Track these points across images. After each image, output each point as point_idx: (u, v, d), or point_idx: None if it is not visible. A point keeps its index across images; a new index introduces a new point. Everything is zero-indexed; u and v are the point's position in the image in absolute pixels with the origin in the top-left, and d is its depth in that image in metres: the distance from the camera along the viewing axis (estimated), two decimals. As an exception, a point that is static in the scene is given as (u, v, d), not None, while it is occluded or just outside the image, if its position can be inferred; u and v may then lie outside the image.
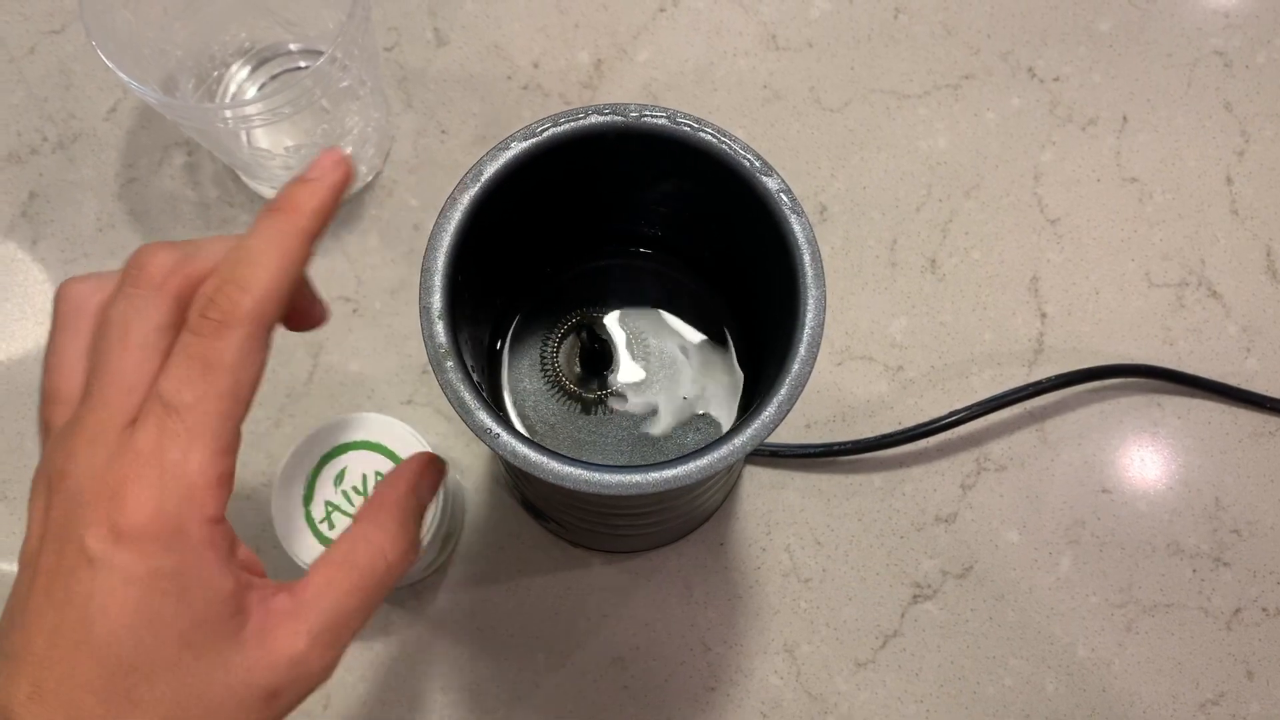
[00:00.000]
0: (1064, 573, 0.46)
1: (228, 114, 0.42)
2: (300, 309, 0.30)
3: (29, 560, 0.25)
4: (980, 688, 0.45)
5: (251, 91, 0.49)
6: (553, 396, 0.38)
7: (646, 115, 0.31)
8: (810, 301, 0.30)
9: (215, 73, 0.48)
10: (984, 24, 0.53)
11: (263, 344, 0.26)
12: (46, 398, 0.27)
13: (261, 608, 0.26)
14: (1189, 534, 0.47)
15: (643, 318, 0.39)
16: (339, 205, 0.28)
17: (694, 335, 0.39)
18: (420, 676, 0.45)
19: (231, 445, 0.25)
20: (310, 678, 0.26)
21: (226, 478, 0.25)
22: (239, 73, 0.49)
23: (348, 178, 0.28)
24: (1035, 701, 0.45)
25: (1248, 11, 0.53)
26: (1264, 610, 0.46)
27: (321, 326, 0.31)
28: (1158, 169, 0.51)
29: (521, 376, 0.38)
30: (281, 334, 0.48)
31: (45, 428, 0.27)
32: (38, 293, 0.49)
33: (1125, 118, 0.52)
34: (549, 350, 0.38)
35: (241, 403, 0.25)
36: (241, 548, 0.27)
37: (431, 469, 0.31)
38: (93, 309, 0.27)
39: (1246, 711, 0.45)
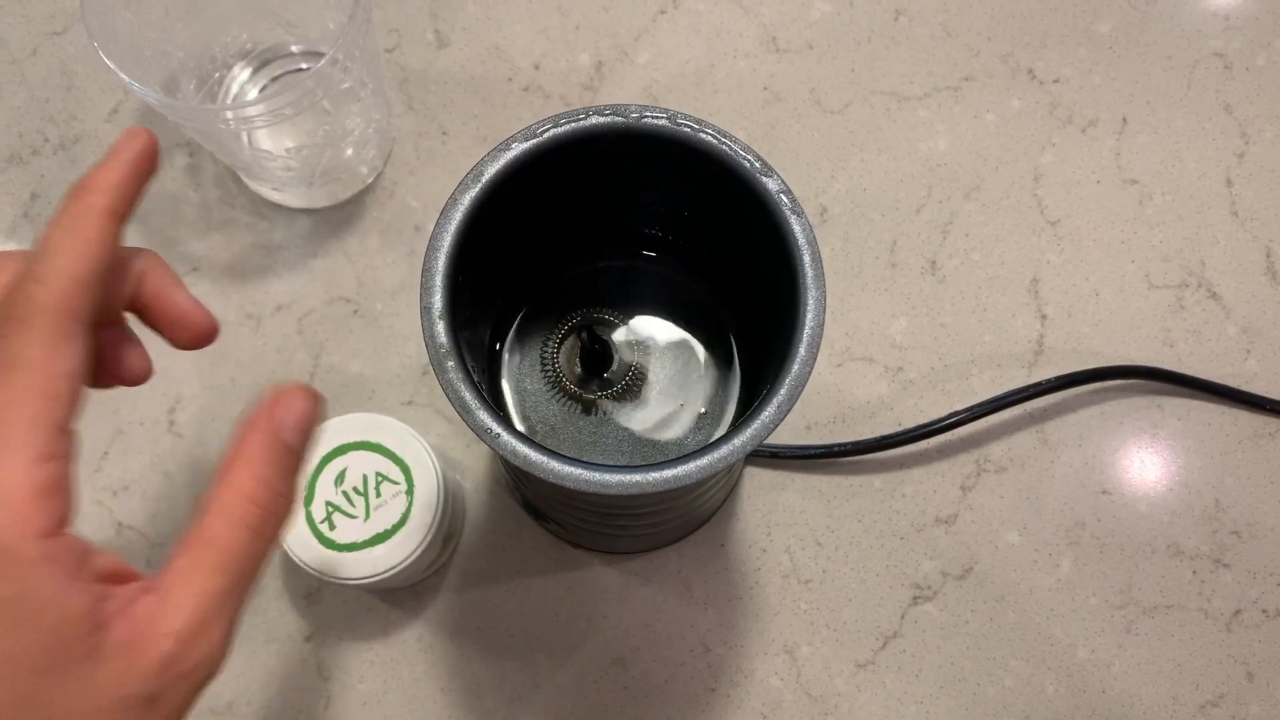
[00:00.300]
0: (1064, 574, 0.46)
1: (229, 115, 0.42)
2: (174, 319, 0.28)
3: None
4: (980, 689, 0.45)
5: (253, 93, 0.49)
6: (553, 397, 0.38)
7: (647, 116, 0.31)
8: (810, 302, 0.30)
9: (217, 74, 0.48)
10: (984, 26, 0.53)
11: (72, 336, 0.24)
12: None
13: (123, 617, 0.24)
14: (1189, 535, 0.47)
15: (643, 318, 0.39)
16: (147, 177, 0.27)
17: (694, 336, 0.39)
18: (420, 677, 0.45)
19: (53, 450, 0.23)
20: (190, 675, 0.24)
21: (53, 486, 0.23)
22: (240, 74, 0.49)
23: (149, 148, 0.27)
24: (1035, 703, 0.45)
25: (1248, 14, 0.54)
26: (1264, 612, 0.46)
27: (211, 341, 0.29)
28: (1158, 171, 0.51)
29: (522, 377, 0.39)
30: (284, 335, 0.48)
31: None
32: (39, 293, 0.49)
33: (1125, 119, 0.52)
34: (549, 350, 0.39)
35: (58, 401, 0.23)
36: (99, 557, 0.25)
37: (294, 402, 0.26)
38: None
39: (1246, 713, 0.45)
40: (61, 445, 0.23)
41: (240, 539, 0.25)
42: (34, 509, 0.22)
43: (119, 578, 0.25)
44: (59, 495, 0.23)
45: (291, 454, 0.26)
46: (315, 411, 0.27)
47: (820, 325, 0.30)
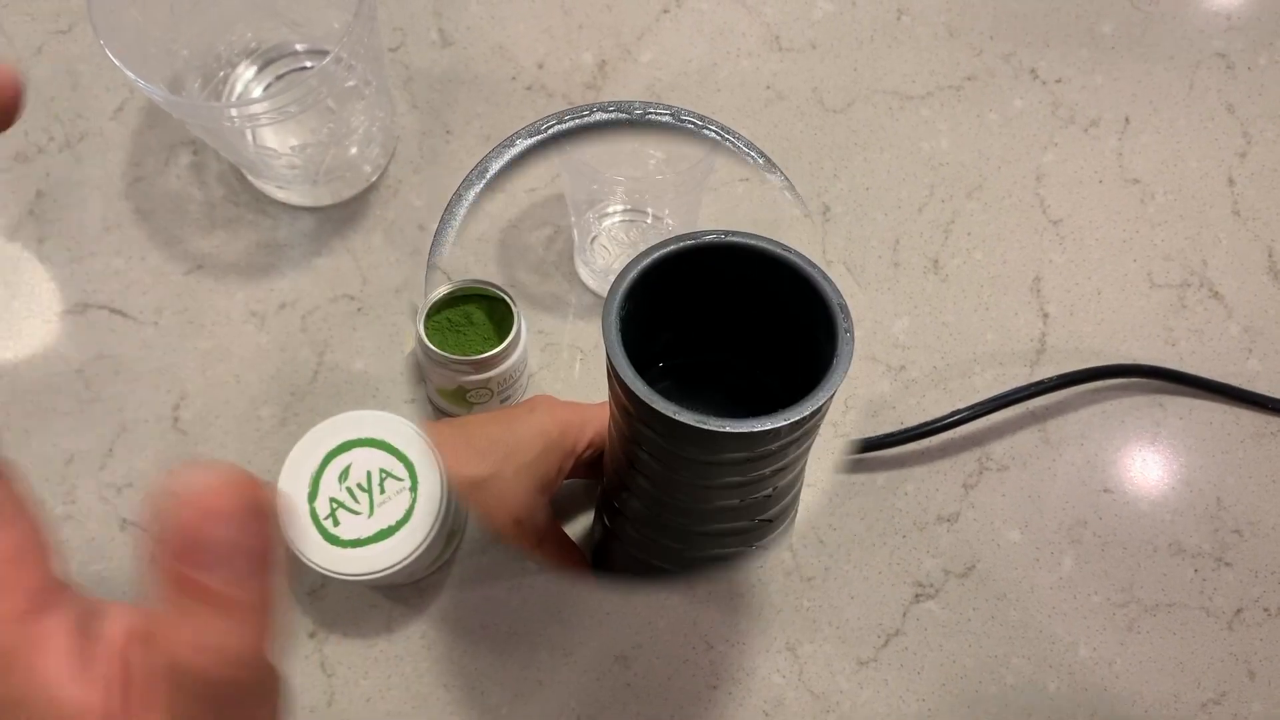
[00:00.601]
0: (1066, 572, 0.47)
1: (234, 113, 0.42)
2: None
3: None
4: (982, 687, 0.45)
5: (258, 91, 0.49)
6: (556, 394, 0.38)
7: (650, 113, 0.32)
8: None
9: (222, 72, 0.49)
10: (986, 25, 0.53)
11: None
12: None
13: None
14: (1190, 534, 0.47)
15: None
16: None
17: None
18: (423, 673, 0.45)
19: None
20: None
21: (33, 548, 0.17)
22: (245, 72, 0.49)
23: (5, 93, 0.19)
24: (1037, 701, 0.45)
25: (1250, 14, 0.54)
26: (1265, 610, 0.46)
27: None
28: (1160, 170, 0.51)
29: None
30: (288, 333, 0.48)
31: None
32: (44, 291, 0.49)
33: (1127, 119, 0.52)
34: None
35: None
36: (99, 618, 0.18)
37: (205, 530, 0.17)
38: None
39: (1248, 711, 0.45)
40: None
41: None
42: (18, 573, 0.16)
43: (88, 620, 0.19)
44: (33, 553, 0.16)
45: (232, 594, 0.17)
46: (250, 507, 0.17)
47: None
